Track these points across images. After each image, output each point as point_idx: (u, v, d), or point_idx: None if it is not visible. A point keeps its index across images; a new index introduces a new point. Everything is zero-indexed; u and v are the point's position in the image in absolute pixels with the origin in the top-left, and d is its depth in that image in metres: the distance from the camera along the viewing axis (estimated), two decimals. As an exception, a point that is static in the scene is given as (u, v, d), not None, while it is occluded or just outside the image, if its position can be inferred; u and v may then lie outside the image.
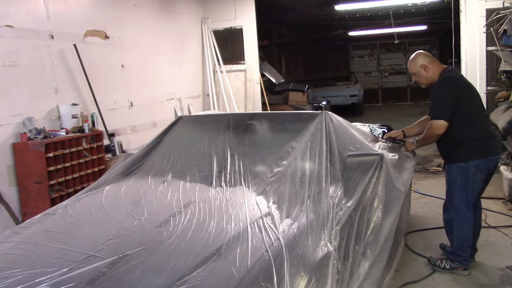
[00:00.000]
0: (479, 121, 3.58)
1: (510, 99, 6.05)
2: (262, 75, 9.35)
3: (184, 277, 1.91)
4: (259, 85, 8.64)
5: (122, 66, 6.24)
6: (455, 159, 3.58)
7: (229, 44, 8.63)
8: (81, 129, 5.00)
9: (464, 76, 4.39)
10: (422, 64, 3.63)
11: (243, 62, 8.58)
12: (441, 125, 3.48)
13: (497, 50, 6.27)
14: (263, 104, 8.74)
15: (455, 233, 3.60)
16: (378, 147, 3.60)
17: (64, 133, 4.81)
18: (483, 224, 4.18)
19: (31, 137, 4.47)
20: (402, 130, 4.02)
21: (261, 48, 9.96)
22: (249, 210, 2.52)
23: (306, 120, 3.22)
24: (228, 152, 3.18)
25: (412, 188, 5.31)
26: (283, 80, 11.73)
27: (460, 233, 3.58)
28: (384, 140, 3.86)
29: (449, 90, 3.51)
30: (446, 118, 3.46)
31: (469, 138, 3.51)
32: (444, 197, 3.72)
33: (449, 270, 3.62)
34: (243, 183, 2.89)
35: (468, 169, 3.50)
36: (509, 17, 5.75)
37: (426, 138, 3.68)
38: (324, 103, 11.64)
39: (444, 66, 3.71)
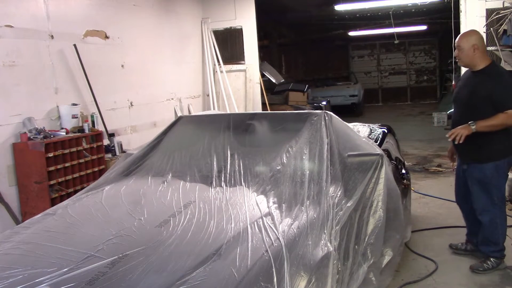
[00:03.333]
0: None
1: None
2: (262, 75, 9.35)
3: (184, 277, 1.91)
4: (259, 85, 8.64)
5: (122, 66, 6.24)
6: (491, 157, 3.53)
7: (229, 44, 8.63)
8: (81, 129, 5.00)
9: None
10: (474, 44, 3.54)
11: (243, 62, 8.58)
12: None
13: (497, 50, 6.28)
14: (263, 104, 8.74)
15: (500, 229, 3.63)
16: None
17: (64, 133, 4.81)
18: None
19: (31, 137, 4.47)
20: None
21: (261, 48, 9.97)
22: (249, 210, 2.52)
23: (306, 120, 3.21)
24: (228, 152, 3.17)
25: (412, 188, 5.31)
26: (283, 80, 11.74)
27: (503, 228, 3.65)
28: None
29: None
30: None
31: (504, 136, 3.53)
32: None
33: (495, 269, 3.63)
34: (243, 183, 2.89)
35: (503, 167, 3.57)
36: (509, 17, 5.76)
37: (502, 124, 3.42)
38: (324, 103, 11.64)
39: (490, 60, 3.65)
